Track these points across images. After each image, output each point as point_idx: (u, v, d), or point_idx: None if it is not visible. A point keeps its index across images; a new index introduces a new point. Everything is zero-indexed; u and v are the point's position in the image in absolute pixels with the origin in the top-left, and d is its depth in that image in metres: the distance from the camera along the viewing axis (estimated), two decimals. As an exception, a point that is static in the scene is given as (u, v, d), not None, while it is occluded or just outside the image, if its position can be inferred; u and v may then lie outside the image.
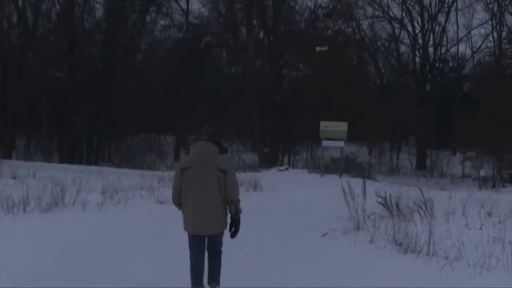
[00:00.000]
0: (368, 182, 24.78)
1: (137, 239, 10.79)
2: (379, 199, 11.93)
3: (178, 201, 7.01)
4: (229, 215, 6.97)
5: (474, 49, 43.66)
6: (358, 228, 11.30)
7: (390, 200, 12.10)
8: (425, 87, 42.67)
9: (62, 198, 12.77)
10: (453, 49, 44.39)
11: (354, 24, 39.94)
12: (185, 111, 39.22)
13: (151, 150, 40.04)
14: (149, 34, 43.48)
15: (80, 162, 34.20)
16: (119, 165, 33.72)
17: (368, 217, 11.82)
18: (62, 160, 33.55)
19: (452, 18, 43.32)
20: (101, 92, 35.74)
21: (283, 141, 35.41)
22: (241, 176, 20.11)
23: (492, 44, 42.91)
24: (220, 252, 7.06)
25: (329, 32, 34.60)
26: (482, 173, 28.87)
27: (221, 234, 6.98)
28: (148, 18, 41.08)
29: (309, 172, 26.62)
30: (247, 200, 15.41)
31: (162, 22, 42.73)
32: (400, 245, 9.59)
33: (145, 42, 43.86)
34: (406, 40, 44.14)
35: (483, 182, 28.89)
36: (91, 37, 38.77)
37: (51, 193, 12.99)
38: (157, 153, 40.22)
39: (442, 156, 39.26)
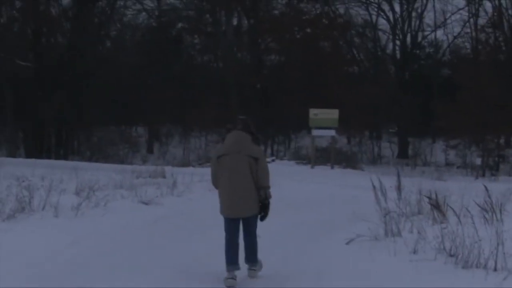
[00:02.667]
0: (358, 173, 22.98)
1: (125, 254, 8.55)
2: (427, 199, 9.69)
3: (215, 185, 7.33)
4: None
5: (452, 35, 42.05)
6: (392, 234, 9.19)
7: (436, 198, 9.84)
8: (404, 74, 40.89)
9: (29, 202, 10.44)
10: (431, 36, 42.73)
11: (330, 9, 37.80)
12: (157, 101, 36.94)
13: (123, 143, 37.48)
14: (119, 21, 40.85)
15: (48, 156, 31.67)
16: (90, 159, 31.27)
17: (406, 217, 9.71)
18: (28, 155, 31.01)
19: (430, 4, 41.54)
20: (69, 81, 33.26)
21: (265, 130, 33.18)
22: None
23: (469, 30, 41.34)
24: (255, 233, 7.31)
25: (311, 15, 32.26)
26: (478, 161, 27.14)
27: (254, 216, 7.22)
28: (118, 3, 38.48)
29: (297, 163, 24.51)
30: None
31: (132, 8, 39.98)
32: (456, 256, 7.53)
33: (115, 29, 41.20)
34: (382, 27, 42.30)
35: (479, 171, 27.15)
36: (58, 24, 36.09)
37: (16, 196, 10.65)
38: (129, 146, 37.72)
39: (424, 144, 37.56)
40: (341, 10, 38.29)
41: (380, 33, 42.33)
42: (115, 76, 37.57)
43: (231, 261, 7.10)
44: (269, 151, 33.46)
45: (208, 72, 40.83)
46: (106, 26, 38.87)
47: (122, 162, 31.39)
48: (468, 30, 41.30)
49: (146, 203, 12.62)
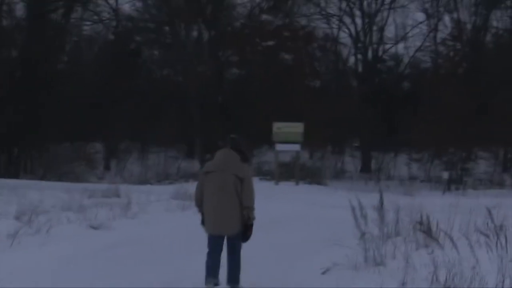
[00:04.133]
0: (323, 189, 21.81)
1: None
2: (416, 223, 8.49)
3: (199, 202, 7.27)
4: None
5: (413, 49, 41.44)
6: (375, 262, 7.98)
7: (428, 222, 8.65)
8: (366, 87, 40.03)
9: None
10: (392, 49, 42.00)
11: (292, 21, 36.72)
12: (115, 116, 35.34)
13: (78, 159, 35.66)
14: (77, 34, 39.22)
15: (-1, 175, 29.75)
16: (42, 177, 29.51)
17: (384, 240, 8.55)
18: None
19: (390, 18, 40.92)
20: (23, 96, 31.41)
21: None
22: (187, 188, 16.56)
23: (430, 44, 40.81)
24: (238, 253, 7.20)
25: (273, 27, 31.01)
26: (446, 175, 26.20)
27: (239, 235, 7.14)
28: (74, 15, 36.92)
29: (261, 179, 23.19)
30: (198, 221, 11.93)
31: (90, 20, 38.40)
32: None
33: (71, 42, 39.53)
34: (344, 40, 41.43)
35: (447, 185, 26.20)
36: (11, 37, 34.31)
37: None
38: (85, 163, 35.92)
39: (386, 158, 36.68)
40: (303, 23, 37.35)
41: (342, 47, 41.41)
42: (71, 90, 35.83)
43: (211, 273, 7.05)
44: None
45: (168, 86, 39.42)
46: (61, 39, 37.15)
47: (77, 180, 29.74)
48: (428, 44, 40.71)
49: (95, 228, 11.22)
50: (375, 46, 40.24)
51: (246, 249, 9.68)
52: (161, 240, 10.75)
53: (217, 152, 7.36)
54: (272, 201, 16.33)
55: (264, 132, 26.90)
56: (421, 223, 8.09)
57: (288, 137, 22.87)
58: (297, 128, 22.70)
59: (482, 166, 32.06)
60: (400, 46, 42.08)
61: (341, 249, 8.64)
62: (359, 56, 40.31)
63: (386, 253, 8.28)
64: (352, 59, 41.53)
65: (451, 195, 21.36)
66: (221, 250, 7.16)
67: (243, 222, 7.05)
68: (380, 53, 40.96)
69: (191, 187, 18.48)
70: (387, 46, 41.35)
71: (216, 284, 7.04)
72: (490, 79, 34.60)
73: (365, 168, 36.54)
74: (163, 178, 27.81)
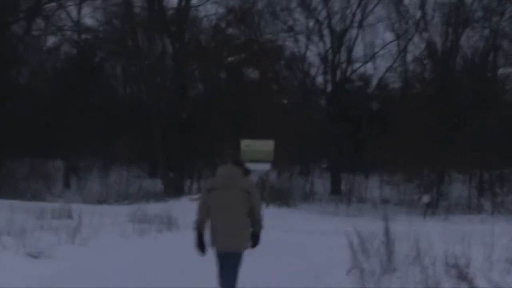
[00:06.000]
0: (294, 212, 20.07)
1: None
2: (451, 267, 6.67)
3: (200, 220, 6.98)
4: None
5: (381, 69, 40.31)
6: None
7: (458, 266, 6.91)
8: (334, 107, 38.67)
9: None
10: (361, 69, 40.80)
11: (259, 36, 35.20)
12: (76, 132, 33.36)
13: (35, 176, 33.42)
14: (38, 47, 37.20)
15: None
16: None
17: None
18: None
19: (359, 37, 39.74)
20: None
21: (190, 164, 29.89)
22: (146, 210, 14.72)
23: (399, 64, 39.73)
24: (238, 268, 6.94)
25: (240, 41, 29.29)
26: (426, 199, 24.68)
27: (241, 253, 6.92)
28: (35, 27, 34.91)
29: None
30: (161, 246, 10.21)
31: (51, 36, 36.48)
32: None
33: (32, 56, 37.46)
34: (312, 58, 40.05)
35: (427, 210, 24.64)
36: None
37: None
38: (43, 180, 33.67)
39: (357, 179, 35.17)
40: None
41: (310, 66, 40.05)
42: (31, 105, 33.76)
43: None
44: (195, 186, 30.17)
45: (131, 103, 37.56)
46: (20, 52, 35.11)
47: (34, 198, 27.59)
48: (398, 64, 39.63)
49: (35, 256, 9.30)
50: (343, 65, 38.99)
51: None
52: (112, 274, 8.92)
53: (218, 169, 7.13)
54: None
55: (229, 150, 25.21)
56: (455, 266, 6.23)
57: (257, 155, 21.06)
58: (267, 145, 20.91)
59: (457, 189, 30.74)
60: (369, 66, 41.03)
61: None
62: (328, 76, 39.00)
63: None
64: (320, 79, 40.30)
65: (433, 220, 19.85)
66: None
67: (252, 233, 6.93)
68: (348, 73, 39.73)
69: (151, 208, 16.66)
70: (356, 66, 40.20)
71: None
72: (461, 100, 33.61)
73: (335, 190, 34.98)
74: (123, 197, 25.79)
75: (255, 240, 6.99)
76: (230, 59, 26.73)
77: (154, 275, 9.05)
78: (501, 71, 35.65)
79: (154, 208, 16.66)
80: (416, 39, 38.08)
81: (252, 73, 31.24)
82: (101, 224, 12.66)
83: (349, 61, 39.28)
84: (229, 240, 6.81)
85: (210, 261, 10.85)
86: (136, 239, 11.77)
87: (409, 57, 38.76)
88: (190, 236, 12.78)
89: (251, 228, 6.94)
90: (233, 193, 6.79)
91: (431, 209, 25.49)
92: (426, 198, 24.56)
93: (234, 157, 7.24)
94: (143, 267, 9.57)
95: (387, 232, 8.12)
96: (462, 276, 5.77)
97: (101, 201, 24.77)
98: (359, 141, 36.12)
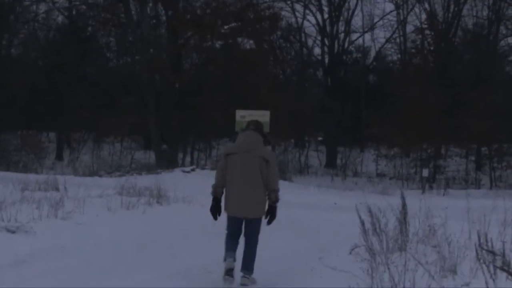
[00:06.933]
0: (290, 185, 19.33)
1: None
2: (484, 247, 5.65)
3: (218, 184, 6.86)
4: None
5: (380, 40, 39.39)
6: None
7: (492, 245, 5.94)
8: (332, 80, 37.78)
9: None
10: (359, 40, 39.87)
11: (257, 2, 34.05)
12: (69, 105, 32.54)
13: (28, 148, 32.63)
14: (32, 19, 36.14)
15: None
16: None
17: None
18: None
19: (358, 7, 38.71)
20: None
21: (184, 136, 29.00)
22: (136, 183, 13.92)
23: (398, 35, 38.78)
24: (256, 239, 6.83)
25: (237, 7, 28.14)
26: (426, 173, 23.92)
27: (259, 220, 6.81)
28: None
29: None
30: (149, 221, 9.27)
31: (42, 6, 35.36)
32: None
33: (24, 27, 36.39)
34: (309, 29, 39.03)
35: (426, 184, 23.93)
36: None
37: None
38: (35, 152, 32.88)
39: (353, 153, 34.44)
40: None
41: (307, 37, 39.06)
42: (23, 77, 32.86)
43: (230, 248, 6.71)
44: (188, 159, 29.39)
45: (124, 75, 36.61)
46: (11, 22, 34.08)
47: (26, 170, 26.88)
48: (397, 35, 38.70)
49: (12, 231, 8.52)
50: (341, 35, 38.02)
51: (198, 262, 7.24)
52: (94, 250, 8.18)
53: (239, 135, 7.12)
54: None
55: (224, 122, 24.44)
56: (492, 251, 5.34)
57: (253, 126, 20.25)
58: (263, 116, 20.05)
59: (454, 164, 30.07)
60: (368, 37, 40.13)
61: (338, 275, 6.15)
62: (325, 47, 38.02)
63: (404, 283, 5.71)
64: (317, 50, 39.35)
65: (433, 195, 19.13)
66: (240, 234, 6.80)
67: (265, 205, 6.74)
68: (346, 44, 38.79)
69: (142, 180, 15.91)
70: (354, 37, 39.26)
71: (234, 259, 6.64)
72: (461, 72, 32.82)
73: (331, 164, 34.28)
74: (115, 170, 25.01)
75: (272, 213, 6.74)
76: (225, 27, 25.69)
77: (138, 252, 8.34)
78: (502, 43, 34.79)
79: (145, 180, 15.92)
80: (416, 9, 37.24)
81: (248, 44, 30.27)
82: (88, 197, 11.89)
83: (348, 32, 38.37)
84: (245, 206, 6.67)
85: (199, 237, 10.18)
86: (123, 213, 11.01)
87: (409, 28, 37.99)
88: (180, 211, 12.15)
89: (267, 199, 6.71)
90: (251, 159, 6.66)
91: (429, 183, 24.81)
92: (425, 172, 23.79)
93: (257, 125, 7.05)
94: (128, 243, 8.85)
95: (404, 208, 7.39)
96: (493, 258, 5.01)
97: (92, 173, 23.96)
98: (356, 114, 35.39)
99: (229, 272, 6.56)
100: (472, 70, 32.75)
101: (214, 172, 19.62)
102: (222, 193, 6.86)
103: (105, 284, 6.49)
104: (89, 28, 38.26)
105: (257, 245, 6.83)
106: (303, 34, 38.47)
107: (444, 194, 20.24)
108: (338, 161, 34.45)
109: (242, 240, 6.80)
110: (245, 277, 6.69)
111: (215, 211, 6.83)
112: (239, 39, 30.06)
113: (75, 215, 10.12)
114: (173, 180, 16.73)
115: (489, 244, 4.99)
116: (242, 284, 6.67)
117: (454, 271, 5.54)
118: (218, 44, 29.58)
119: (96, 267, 7.30)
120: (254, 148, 6.73)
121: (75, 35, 36.02)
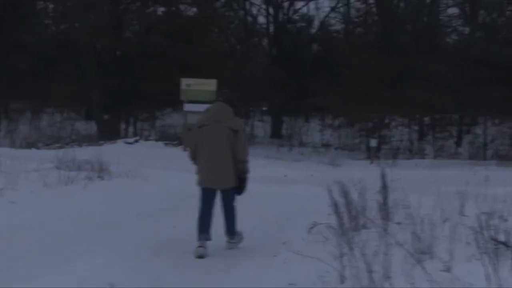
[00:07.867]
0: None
1: None
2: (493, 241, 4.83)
3: (194, 156, 6.98)
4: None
5: (325, 9, 38.80)
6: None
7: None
8: (277, 49, 37.12)
9: None
10: (303, 9, 39.16)
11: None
12: (5, 73, 30.94)
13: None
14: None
15: None
16: None
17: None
18: None
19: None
20: None
21: (127, 105, 27.84)
22: (75, 155, 12.95)
23: (342, 5, 38.32)
24: (232, 207, 6.97)
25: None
26: (374, 143, 23.57)
27: (232, 189, 6.91)
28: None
29: (166, 145, 19.74)
30: (90, 197, 8.36)
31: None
32: None
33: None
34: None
35: (373, 153, 23.59)
36: None
37: None
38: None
39: (298, 123, 34.01)
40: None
41: (251, 5, 38.11)
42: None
43: (202, 230, 6.73)
44: (131, 129, 28.36)
45: (63, 42, 35.04)
46: None
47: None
48: (341, 5, 38.20)
49: None
50: (286, 4, 37.29)
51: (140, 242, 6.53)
52: (27, 231, 7.35)
53: (210, 106, 7.24)
54: (180, 172, 12.85)
55: (168, 91, 23.55)
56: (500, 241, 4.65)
57: (199, 95, 19.51)
58: (209, 85, 19.39)
59: (398, 134, 30.00)
60: (312, 7, 39.48)
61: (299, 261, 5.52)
62: (270, 16, 37.25)
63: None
64: (262, 19, 38.50)
65: (380, 165, 18.79)
66: (213, 204, 6.90)
67: (237, 176, 6.82)
68: (291, 13, 38.09)
69: (82, 152, 14.95)
70: (298, 6, 38.53)
71: (208, 239, 6.71)
72: (404, 42, 32.62)
73: (276, 134, 33.79)
74: (54, 141, 23.83)
75: (241, 184, 6.87)
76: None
77: (81, 233, 7.53)
78: (445, 12, 34.77)
79: (85, 152, 14.96)
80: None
81: (190, 11, 29.25)
82: (23, 172, 10.91)
83: (292, 0, 37.64)
84: (215, 176, 6.75)
85: (147, 213, 9.46)
86: (61, 188, 10.13)
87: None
88: (123, 185, 11.35)
89: (236, 169, 6.77)
90: (220, 130, 6.74)
91: (375, 153, 24.56)
92: (373, 142, 23.49)
93: (228, 96, 7.23)
94: (66, 222, 8.05)
95: (384, 182, 6.92)
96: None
97: (29, 144, 22.70)
98: (301, 84, 34.88)
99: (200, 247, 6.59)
100: (415, 40, 32.59)
101: (159, 144, 18.81)
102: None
103: (46, 271, 5.66)
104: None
105: (234, 209, 6.94)
106: (247, 2, 37.55)
107: (392, 165, 19.95)
108: (283, 131, 33.99)
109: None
110: (230, 242, 6.94)
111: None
112: (182, 6, 28.99)
113: (7, 192, 9.19)
114: (116, 152, 15.86)
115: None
116: (228, 249, 6.90)
117: (430, 253, 4.97)
118: (160, 11, 28.47)
119: (33, 252, 6.46)
120: (222, 119, 6.79)
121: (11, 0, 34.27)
